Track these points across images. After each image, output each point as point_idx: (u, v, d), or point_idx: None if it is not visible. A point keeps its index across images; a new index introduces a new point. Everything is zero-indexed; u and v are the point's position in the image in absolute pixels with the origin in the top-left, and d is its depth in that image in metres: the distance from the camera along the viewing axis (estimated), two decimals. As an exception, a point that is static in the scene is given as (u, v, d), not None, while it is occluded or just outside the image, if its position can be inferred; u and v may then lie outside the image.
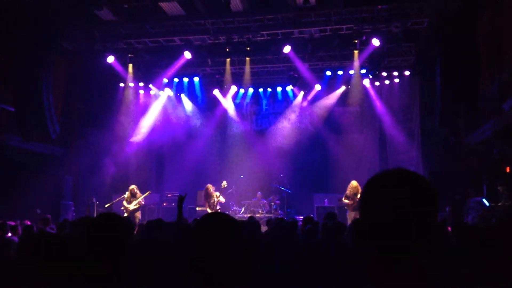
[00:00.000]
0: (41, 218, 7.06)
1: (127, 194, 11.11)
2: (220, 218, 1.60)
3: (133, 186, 11.24)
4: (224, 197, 11.66)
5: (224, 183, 11.66)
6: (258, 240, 4.87)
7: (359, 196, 10.22)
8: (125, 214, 10.69)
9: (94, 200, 12.35)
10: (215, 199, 11.29)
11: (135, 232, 6.52)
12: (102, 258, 2.00)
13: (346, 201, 10.52)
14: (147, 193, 11.31)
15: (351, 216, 10.28)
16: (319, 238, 5.11)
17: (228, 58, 12.74)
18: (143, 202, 11.26)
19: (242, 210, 12.94)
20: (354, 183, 10.57)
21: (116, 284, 1.99)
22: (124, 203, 11.02)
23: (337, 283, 3.54)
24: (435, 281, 1.05)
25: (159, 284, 3.88)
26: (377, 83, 14.37)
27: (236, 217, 8.17)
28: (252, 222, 5.90)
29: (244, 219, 8.86)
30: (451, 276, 3.17)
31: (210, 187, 11.51)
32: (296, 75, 13.75)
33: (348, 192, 10.54)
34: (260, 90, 15.77)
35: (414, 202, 1.05)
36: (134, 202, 10.95)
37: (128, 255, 2.15)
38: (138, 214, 10.99)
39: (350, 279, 3.14)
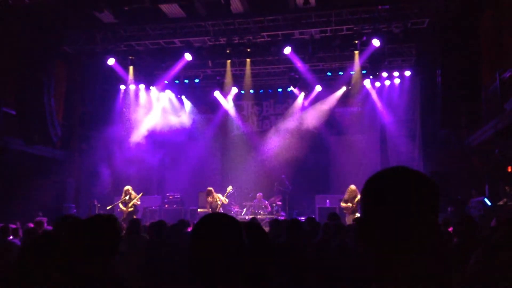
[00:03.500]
0: (35, 221, 7.01)
1: (122, 196, 11.04)
2: (217, 218, 1.59)
3: (127, 187, 11.09)
4: (226, 198, 11.62)
5: (230, 188, 11.64)
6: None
7: (357, 200, 10.17)
8: (124, 216, 10.63)
9: (96, 203, 12.35)
10: (218, 201, 11.28)
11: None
12: (92, 259, 2.01)
13: (345, 204, 10.43)
14: (140, 195, 11.11)
15: (349, 219, 10.22)
16: (319, 239, 5.09)
17: (228, 59, 12.73)
18: (138, 203, 11.15)
19: (244, 211, 12.91)
20: (352, 187, 10.49)
21: (108, 284, 1.99)
22: (120, 205, 10.94)
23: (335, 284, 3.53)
24: (438, 281, 1.04)
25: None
26: (377, 84, 14.37)
27: (238, 219, 8.12)
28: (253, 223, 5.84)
29: (246, 221, 8.82)
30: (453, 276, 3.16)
31: (212, 189, 11.50)
32: (296, 76, 13.73)
33: (346, 196, 10.45)
34: (261, 91, 15.78)
35: (414, 200, 1.04)
36: (129, 204, 10.85)
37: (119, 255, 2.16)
38: (135, 216, 10.85)
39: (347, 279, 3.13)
